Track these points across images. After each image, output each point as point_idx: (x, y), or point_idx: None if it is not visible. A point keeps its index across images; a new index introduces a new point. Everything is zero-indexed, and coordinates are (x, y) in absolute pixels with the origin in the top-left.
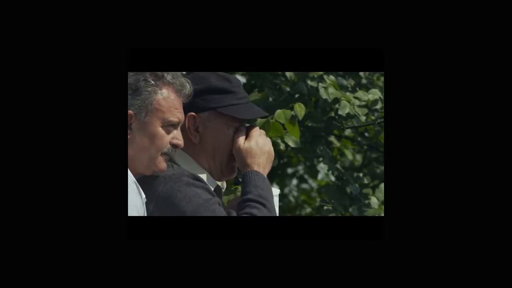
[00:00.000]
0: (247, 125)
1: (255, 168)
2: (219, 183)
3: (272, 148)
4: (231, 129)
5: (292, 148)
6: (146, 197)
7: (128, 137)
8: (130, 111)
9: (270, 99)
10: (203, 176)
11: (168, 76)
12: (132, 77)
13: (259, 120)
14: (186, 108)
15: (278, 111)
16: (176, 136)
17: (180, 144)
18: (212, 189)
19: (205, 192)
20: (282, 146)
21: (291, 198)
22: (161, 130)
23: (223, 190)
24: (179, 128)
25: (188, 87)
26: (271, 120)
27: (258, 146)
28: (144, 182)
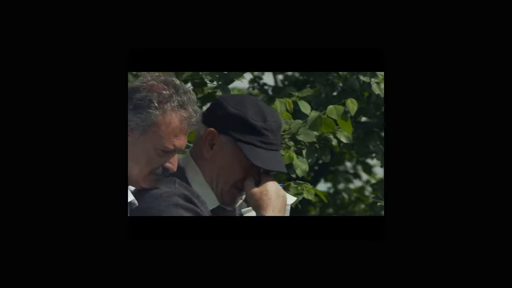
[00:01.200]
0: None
1: (270, 212)
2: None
3: (286, 195)
4: (243, 163)
5: (345, 144)
6: (139, 209)
7: None
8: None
9: (323, 95)
10: (207, 192)
11: (175, 102)
12: (141, 92)
13: (311, 115)
14: (210, 121)
15: (330, 106)
16: (171, 160)
17: (172, 168)
18: (210, 208)
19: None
20: (334, 142)
21: (345, 195)
22: (153, 153)
23: (231, 209)
24: (167, 154)
25: (195, 117)
26: (323, 116)
27: (274, 189)
28: (138, 192)
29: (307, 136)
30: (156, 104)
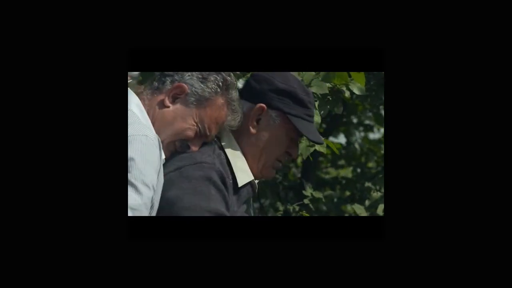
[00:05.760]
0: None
1: None
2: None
3: None
4: (288, 137)
5: (357, 95)
6: (173, 161)
7: (168, 103)
8: (185, 86)
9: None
10: (243, 165)
11: (233, 94)
12: (210, 72)
13: None
14: (255, 96)
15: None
16: (196, 143)
17: (193, 151)
18: (244, 182)
19: (218, 199)
20: (347, 94)
21: (357, 146)
22: (191, 126)
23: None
24: (200, 137)
25: (237, 120)
26: None
27: None
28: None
29: (320, 88)
30: (221, 84)
